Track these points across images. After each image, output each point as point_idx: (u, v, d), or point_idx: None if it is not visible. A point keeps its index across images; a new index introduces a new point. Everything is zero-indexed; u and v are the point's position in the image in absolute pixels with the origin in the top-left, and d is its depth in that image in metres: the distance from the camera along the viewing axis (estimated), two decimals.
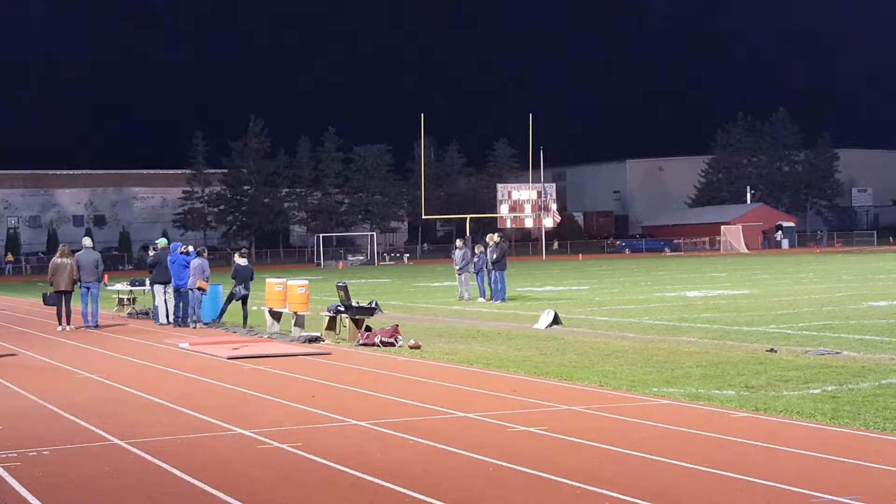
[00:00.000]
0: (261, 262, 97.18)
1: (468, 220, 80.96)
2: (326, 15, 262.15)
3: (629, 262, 77.42)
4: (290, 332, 22.57)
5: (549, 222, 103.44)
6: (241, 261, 26.00)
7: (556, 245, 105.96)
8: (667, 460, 9.20)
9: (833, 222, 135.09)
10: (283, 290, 23.62)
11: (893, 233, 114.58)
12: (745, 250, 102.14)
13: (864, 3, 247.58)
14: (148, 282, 28.86)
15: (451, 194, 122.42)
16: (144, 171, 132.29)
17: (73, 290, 26.04)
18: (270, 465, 9.49)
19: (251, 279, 25.81)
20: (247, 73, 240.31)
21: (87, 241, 27.41)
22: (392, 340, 19.79)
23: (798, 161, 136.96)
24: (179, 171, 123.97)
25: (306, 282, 23.63)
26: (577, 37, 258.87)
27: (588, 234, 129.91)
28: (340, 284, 22.08)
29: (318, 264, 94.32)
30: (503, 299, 32.26)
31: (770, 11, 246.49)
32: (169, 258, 26.75)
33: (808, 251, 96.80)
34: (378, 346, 19.66)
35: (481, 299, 33.09)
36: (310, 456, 9.74)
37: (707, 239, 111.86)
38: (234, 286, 25.52)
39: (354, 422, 11.52)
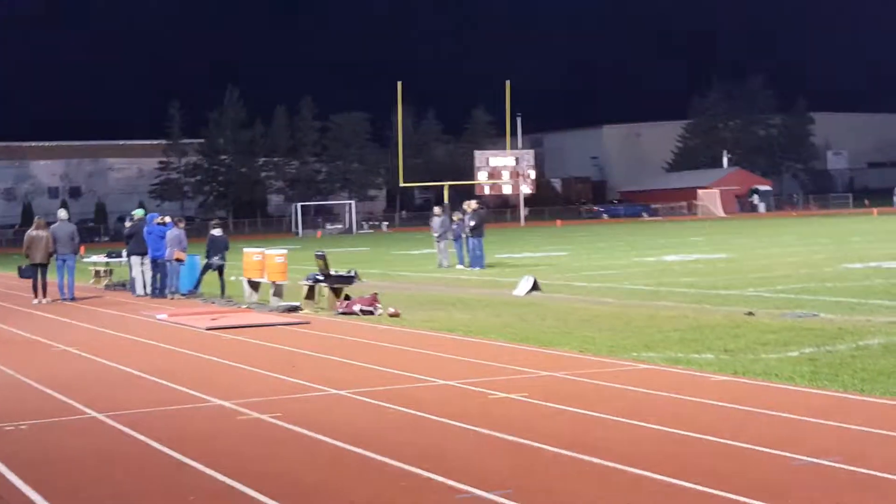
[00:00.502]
0: (239, 232, 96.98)
1: (446, 187, 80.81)
2: None
3: (607, 228, 77.56)
4: (269, 301, 22.50)
5: (526, 189, 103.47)
6: (215, 231, 25.88)
7: (525, 213, 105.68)
8: (647, 425, 9.20)
9: (809, 185, 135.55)
10: (261, 259, 23.52)
11: (869, 195, 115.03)
12: (723, 214, 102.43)
13: None
14: (125, 253, 28.71)
15: (428, 162, 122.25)
16: (120, 142, 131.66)
17: (48, 263, 25.88)
18: (251, 435, 9.46)
19: (226, 249, 25.70)
20: (222, 42, 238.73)
21: (62, 213, 27.22)
22: (371, 309, 19.76)
23: (773, 125, 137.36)
24: (156, 142, 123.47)
25: (285, 251, 23.55)
26: (552, 2, 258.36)
27: (566, 200, 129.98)
28: (319, 254, 22.02)
29: (297, 233, 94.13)
30: (482, 266, 32.24)
31: None
32: (145, 229, 26.61)
33: (784, 215, 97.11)
34: (357, 314, 19.62)
35: (460, 266, 33.07)
36: (290, 426, 9.70)
37: (685, 203, 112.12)
38: (210, 257, 25.40)
39: (334, 391, 11.49)
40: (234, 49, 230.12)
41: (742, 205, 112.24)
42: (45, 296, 25.51)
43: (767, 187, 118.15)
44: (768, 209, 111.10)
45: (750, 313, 17.19)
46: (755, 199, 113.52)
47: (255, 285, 23.92)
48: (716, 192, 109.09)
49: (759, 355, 12.87)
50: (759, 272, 26.42)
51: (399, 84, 75.11)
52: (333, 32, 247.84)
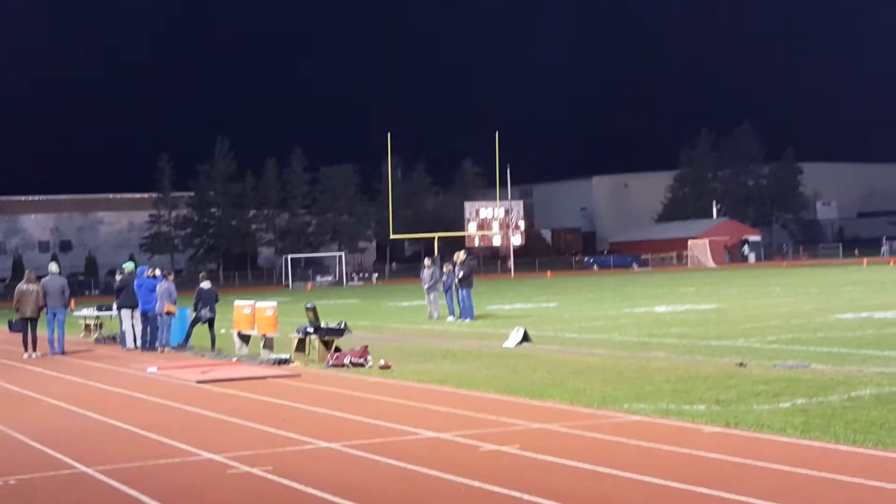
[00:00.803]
0: (229, 285, 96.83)
1: (436, 238, 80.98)
2: (293, 37, 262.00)
3: (597, 279, 77.57)
4: (259, 354, 22.45)
5: (516, 240, 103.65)
6: (204, 284, 25.87)
7: (515, 264, 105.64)
8: (639, 476, 9.17)
9: (798, 236, 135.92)
10: (251, 312, 23.49)
11: (858, 245, 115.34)
12: (713, 265, 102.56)
13: (828, 19, 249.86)
14: (115, 306, 28.65)
15: (418, 213, 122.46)
16: (110, 196, 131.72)
17: (39, 317, 25.81)
18: (241, 489, 9.41)
19: (216, 302, 25.68)
20: (212, 94, 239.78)
21: (53, 267, 27.17)
22: (362, 361, 19.71)
23: (762, 175, 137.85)
24: (146, 195, 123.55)
25: (275, 304, 23.52)
26: (543, 55, 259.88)
27: (556, 251, 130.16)
28: (309, 306, 21.99)
29: (287, 286, 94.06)
30: (472, 317, 32.20)
31: (733, 28, 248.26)
32: (136, 282, 26.58)
33: (774, 265, 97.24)
34: (348, 366, 19.57)
35: (451, 318, 33.03)
36: (280, 479, 9.66)
37: (674, 254, 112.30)
38: (199, 310, 25.37)
39: (325, 444, 11.45)
40: (223, 101, 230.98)
41: (732, 255, 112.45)
42: (35, 350, 25.41)
43: (757, 237, 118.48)
44: (758, 259, 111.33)
45: (741, 364, 17.17)
46: (745, 249, 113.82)
47: (245, 338, 23.87)
48: (705, 242, 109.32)
49: (751, 406, 12.86)
50: (749, 323, 26.44)
51: (389, 135, 75.45)
52: (323, 85, 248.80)
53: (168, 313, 25.67)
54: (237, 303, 24.49)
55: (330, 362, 20.08)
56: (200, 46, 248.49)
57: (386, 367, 19.10)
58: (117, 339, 28.54)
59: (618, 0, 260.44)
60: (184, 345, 25.75)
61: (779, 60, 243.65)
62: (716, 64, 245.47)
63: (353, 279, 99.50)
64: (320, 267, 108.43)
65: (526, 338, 22.90)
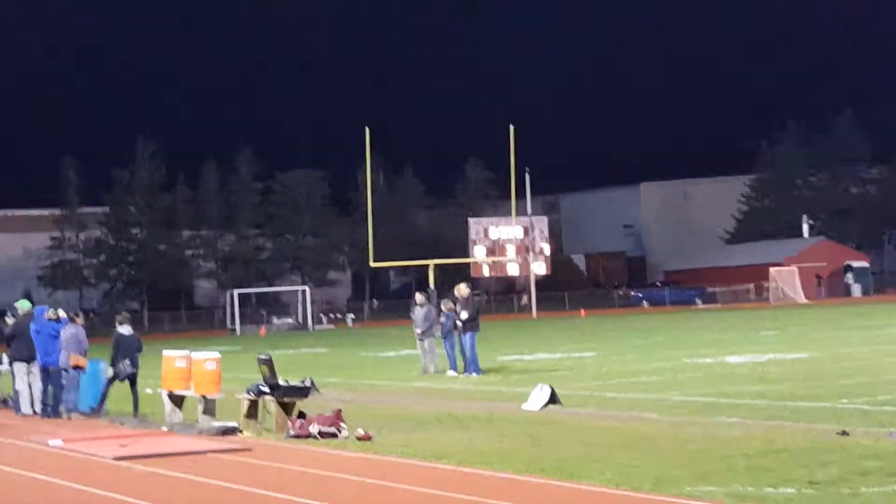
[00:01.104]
0: (156, 330, 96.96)
1: (431, 267, 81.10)
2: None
3: (648, 319, 77.68)
4: (198, 421, 22.48)
5: (539, 268, 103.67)
6: (123, 329, 25.90)
7: (524, 300, 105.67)
8: None
9: None
10: (186, 365, 23.51)
11: None
12: (804, 300, 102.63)
13: None
14: (6, 359, 28.68)
15: (408, 233, 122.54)
16: None
17: None
18: None
19: (139, 352, 25.71)
20: (131, 83, 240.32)
21: None
22: (333, 430, 19.75)
23: (870, 179, 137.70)
24: (45, 212, 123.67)
25: (217, 354, 23.56)
26: (570, 24, 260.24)
27: (592, 282, 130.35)
28: (263, 357, 22.04)
29: (233, 330, 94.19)
30: (479, 371, 32.14)
31: None
32: (33, 327, 26.60)
33: (887, 299, 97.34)
34: (315, 437, 19.61)
35: (452, 372, 32.98)
36: None
37: (751, 286, 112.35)
38: (117, 363, 25.41)
39: None
40: (145, 89, 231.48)
41: (830, 287, 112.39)
42: None
43: (864, 263, 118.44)
44: (865, 293, 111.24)
45: (843, 433, 17.20)
46: (848, 278, 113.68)
47: (178, 400, 23.88)
48: (794, 270, 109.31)
49: (858, 489, 12.87)
50: (854, 377, 26.47)
51: (367, 131, 75.60)
52: (279, 65, 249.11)
53: (76, 367, 25.67)
54: (167, 353, 24.51)
55: (291, 432, 20.11)
56: (118, 18, 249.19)
57: (366, 437, 19.14)
58: (8, 401, 28.56)
59: None
60: (97, 409, 25.77)
61: (886, 34, 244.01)
62: (806, 38, 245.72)
63: (320, 321, 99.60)
64: (277, 305, 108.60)
65: (553, 398, 22.92)
